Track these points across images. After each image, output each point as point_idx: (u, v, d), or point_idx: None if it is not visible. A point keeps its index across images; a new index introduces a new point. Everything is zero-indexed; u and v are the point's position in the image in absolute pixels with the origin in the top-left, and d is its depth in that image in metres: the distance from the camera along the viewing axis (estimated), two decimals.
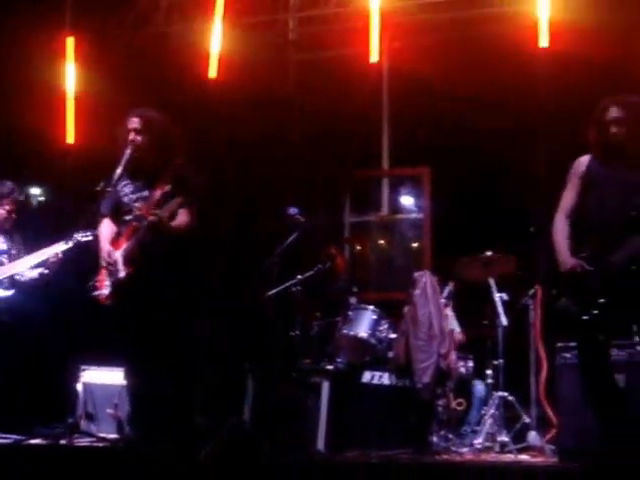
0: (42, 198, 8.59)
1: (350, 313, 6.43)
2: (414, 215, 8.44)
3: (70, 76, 8.12)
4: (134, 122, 5.43)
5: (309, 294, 6.56)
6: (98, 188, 5.32)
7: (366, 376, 6.12)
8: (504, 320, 6.40)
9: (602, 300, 4.69)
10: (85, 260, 6.02)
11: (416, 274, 6.35)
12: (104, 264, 5.46)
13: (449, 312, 6.45)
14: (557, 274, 4.89)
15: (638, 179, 4.79)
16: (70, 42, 8.08)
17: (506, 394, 6.29)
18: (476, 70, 7.39)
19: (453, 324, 6.54)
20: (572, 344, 5.49)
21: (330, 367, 6.10)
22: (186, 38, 7.93)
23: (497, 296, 6.48)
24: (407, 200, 8.55)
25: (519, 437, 6.19)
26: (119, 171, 5.35)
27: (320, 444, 5.76)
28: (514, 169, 7.38)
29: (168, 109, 5.75)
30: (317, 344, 6.54)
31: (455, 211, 7.65)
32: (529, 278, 6.61)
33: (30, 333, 6.48)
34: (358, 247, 8.46)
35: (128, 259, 5.37)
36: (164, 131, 5.46)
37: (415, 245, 8.39)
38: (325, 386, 5.88)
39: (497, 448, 6.08)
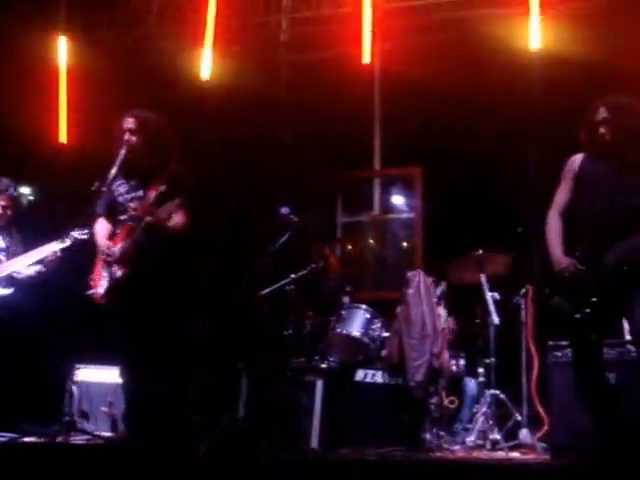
0: (32, 197, 8.59)
1: (343, 312, 6.48)
2: (405, 215, 8.49)
3: (62, 75, 8.12)
4: (129, 122, 5.46)
5: (302, 293, 6.59)
6: (93, 188, 5.34)
7: (359, 374, 6.16)
8: (496, 319, 6.45)
9: (595, 299, 4.73)
10: (80, 258, 6.03)
11: (409, 274, 6.39)
12: (103, 256, 5.47)
13: (442, 311, 6.49)
14: (550, 273, 4.94)
15: (630, 179, 4.83)
16: (62, 42, 8.08)
17: (498, 392, 6.34)
18: (467, 72, 7.43)
19: (445, 323, 6.59)
20: (563, 342, 5.56)
21: (324, 366, 6.13)
22: (178, 39, 7.94)
23: (489, 295, 6.53)
24: (399, 200, 8.59)
25: (510, 435, 6.24)
26: (114, 171, 5.38)
27: (314, 442, 5.79)
28: (505, 170, 7.41)
29: (160, 109, 5.77)
30: (310, 343, 6.57)
31: (446, 211, 7.69)
32: (520, 277, 6.69)
33: (26, 331, 6.50)
34: (350, 247, 8.49)
35: (124, 259, 5.40)
36: (159, 132, 5.50)
37: (407, 245, 8.43)
38: (319, 384, 5.91)
39: (488, 446, 6.12)
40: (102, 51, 8.09)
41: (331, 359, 6.30)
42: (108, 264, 5.46)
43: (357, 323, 6.42)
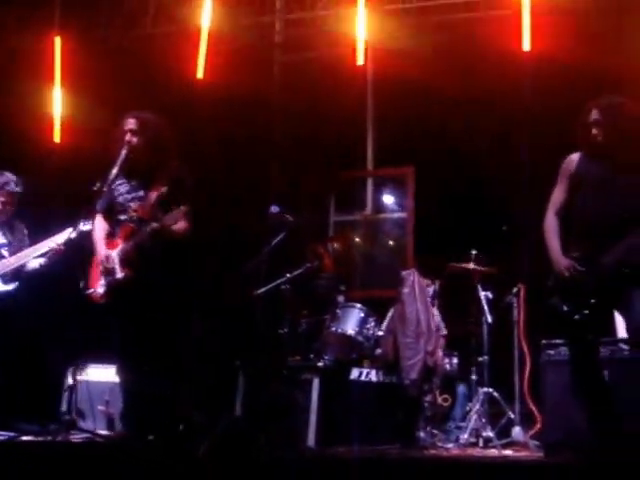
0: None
1: (338, 311, 6.54)
2: (398, 214, 8.55)
3: (57, 76, 8.13)
4: (130, 123, 5.51)
5: (297, 292, 6.63)
6: (95, 188, 5.37)
7: (354, 373, 6.22)
8: (489, 318, 6.53)
9: (593, 300, 4.78)
10: (79, 255, 6.03)
11: (404, 273, 6.47)
12: (101, 268, 5.50)
13: (435, 311, 6.56)
14: (547, 272, 5.00)
15: (624, 179, 4.89)
16: (58, 42, 8.10)
17: (491, 390, 6.42)
18: (459, 73, 7.47)
19: (438, 324, 6.65)
20: (557, 341, 5.63)
21: (320, 364, 6.19)
22: (173, 40, 7.97)
23: (482, 294, 6.61)
24: (391, 200, 8.65)
25: (503, 432, 6.30)
26: (115, 171, 5.41)
27: (311, 440, 5.84)
28: (497, 170, 7.47)
29: (155, 110, 5.80)
30: (305, 342, 6.62)
31: (438, 211, 7.75)
32: (512, 277, 6.77)
33: (24, 328, 6.51)
34: (338, 245, 8.53)
35: (124, 261, 5.44)
36: (160, 133, 5.53)
37: (399, 244, 8.48)
38: (315, 383, 5.97)
39: (481, 443, 6.18)
40: (97, 51, 8.11)
41: (325, 357, 6.36)
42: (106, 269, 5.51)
43: (352, 322, 6.48)
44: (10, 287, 6.35)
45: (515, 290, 6.64)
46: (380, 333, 6.44)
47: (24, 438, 5.85)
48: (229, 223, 7.52)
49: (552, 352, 5.65)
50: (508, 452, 6.00)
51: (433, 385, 6.30)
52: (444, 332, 6.53)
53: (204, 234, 5.82)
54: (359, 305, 6.56)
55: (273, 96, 8.11)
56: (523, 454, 5.91)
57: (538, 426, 6.19)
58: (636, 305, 4.76)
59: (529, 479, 4.57)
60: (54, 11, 8.20)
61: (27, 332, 6.61)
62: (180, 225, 5.38)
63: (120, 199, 5.55)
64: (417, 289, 6.30)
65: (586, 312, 4.79)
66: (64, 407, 6.41)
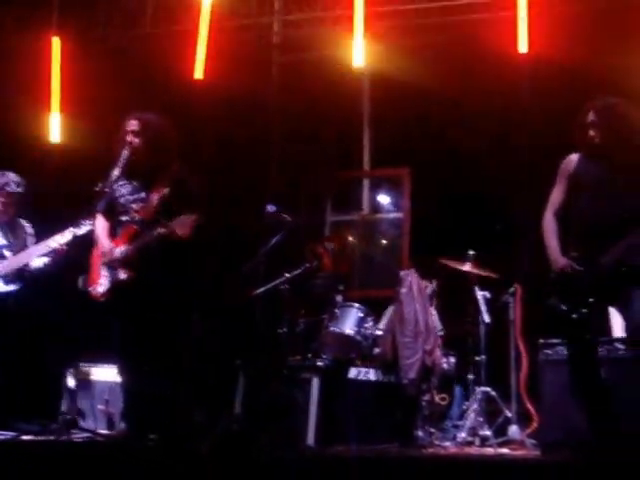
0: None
1: (336, 311, 6.57)
2: (394, 215, 8.60)
3: (55, 75, 8.14)
4: (133, 124, 5.54)
5: (296, 292, 6.67)
6: (97, 189, 5.40)
7: (352, 372, 6.26)
8: (487, 317, 6.58)
9: (591, 299, 4.84)
10: (78, 254, 6.05)
11: (402, 273, 6.51)
12: (105, 261, 5.53)
13: (432, 311, 6.60)
14: (545, 272, 5.05)
15: (621, 179, 4.95)
16: (56, 42, 8.10)
17: (488, 389, 6.47)
18: (456, 74, 7.51)
19: (436, 324, 6.70)
20: (554, 341, 5.69)
21: (320, 364, 6.21)
22: (172, 40, 7.98)
23: (480, 294, 6.66)
24: (387, 200, 8.70)
25: (500, 431, 6.34)
26: (116, 172, 5.44)
27: (310, 439, 5.87)
28: (493, 170, 7.51)
29: (153, 110, 5.83)
30: (303, 341, 6.64)
31: (434, 211, 7.80)
32: (509, 276, 6.81)
33: (26, 328, 6.51)
34: (334, 244, 8.55)
35: (127, 262, 5.47)
36: (162, 134, 5.56)
37: (395, 244, 8.52)
38: (315, 382, 6.00)
39: (478, 442, 6.23)
40: (96, 51, 8.11)
41: (324, 357, 6.39)
42: (109, 266, 5.53)
43: (350, 321, 6.51)
44: (11, 288, 6.36)
45: (512, 290, 6.70)
46: (378, 332, 6.48)
47: (25, 438, 5.86)
48: (228, 223, 7.53)
49: (550, 351, 5.70)
50: (505, 450, 6.05)
51: (431, 384, 6.34)
52: (441, 332, 6.58)
53: (204, 234, 5.84)
54: (357, 305, 6.59)
55: (271, 97, 8.11)
56: (520, 452, 5.95)
57: (535, 425, 6.24)
58: (635, 304, 4.82)
59: (526, 477, 4.59)
60: (52, 11, 8.18)
61: (27, 332, 6.60)
62: (185, 230, 5.40)
63: (122, 200, 5.57)
64: (415, 289, 6.34)
65: (584, 311, 4.84)
66: (64, 407, 6.44)
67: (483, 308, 6.60)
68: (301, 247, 6.84)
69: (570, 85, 6.92)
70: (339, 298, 6.73)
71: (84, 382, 6.62)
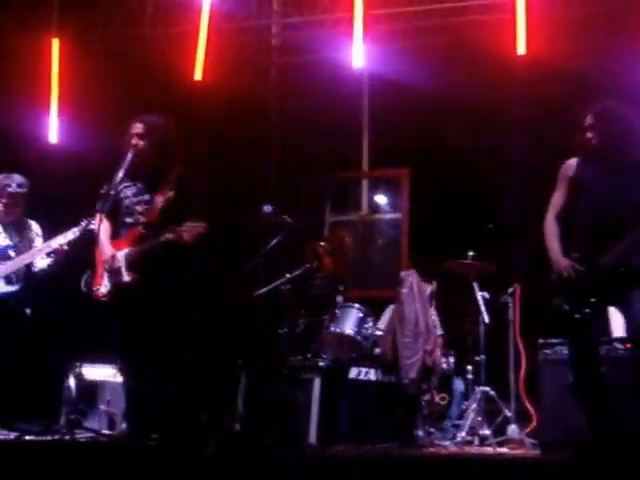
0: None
1: (337, 311, 6.60)
2: (392, 215, 8.63)
3: (55, 77, 8.16)
4: (137, 127, 5.56)
5: (296, 292, 6.69)
6: (102, 191, 5.41)
7: (353, 372, 6.29)
8: (486, 318, 6.62)
9: (593, 299, 4.89)
10: (80, 254, 6.07)
11: (402, 273, 6.55)
12: (107, 268, 5.54)
13: (432, 312, 6.64)
14: (547, 273, 5.10)
15: (619, 180, 5.00)
16: (56, 43, 8.12)
17: (487, 389, 6.50)
18: (455, 76, 7.56)
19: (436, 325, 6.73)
20: (553, 340, 5.73)
21: (322, 363, 6.25)
22: (172, 41, 8.00)
23: (479, 294, 6.70)
24: (385, 200, 8.73)
25: (499, 430, 6.38)
26: (121, 174, 5.45)
27: (312, 438, 5.91)
28: (492, 172, 7.56)
29: (152, 111, 5.86)
30: (303, 342, 6.68)
31: (433, 212, 7.84)
32: (508, 276, 6.86)
33: (27, 328, 6.51)
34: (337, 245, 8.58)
35: (130, 264, 5.48)
36: (166, 137, 5.57)
37: (393, 244, 8.56)
38: (316, 382, 6.03)
39: (477, 441, 6.27)
40: (95, 52, 8.13)
41: (325, 357, 6.43)
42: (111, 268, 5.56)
43: (350, 322, 6.55)
44: (13, 288, 6.35)
45: (511, 290, 6.74)
46: (378, 333, 6.52)
47: (28, 437, 5.88)
48: (228, 224, 7.56)
49: (549, 351, 5.74)
50: (504, 450, 6.08)
51: (431, 384, 6.38)
52: (441, 332, 6.62)
53: (204, 236, 5.86)
54: (357, 305, 6.63)
55: (270, 98, 8.16)
56: (519, 452, 5.98)
57: (533, 424, 6.28)
58: (635, 305, 4.87)
59: (526, 477, 4.61)
60: (52, 12, 8.19)
61: (28, 332, 6.61)
62: (192, 237, 5.39)
63: (126, 202, 5.58)
64: (416, 290, 6.38)
65: (587, 311, 4.89)
66: (65, 407, 6.43)
67: (482, 308, 6.64)
68: (301, 248, 6.86)
69: (568, 87, 6.96)
70: (339, 298, 6.77)
71: (86, 382, 6.62)
